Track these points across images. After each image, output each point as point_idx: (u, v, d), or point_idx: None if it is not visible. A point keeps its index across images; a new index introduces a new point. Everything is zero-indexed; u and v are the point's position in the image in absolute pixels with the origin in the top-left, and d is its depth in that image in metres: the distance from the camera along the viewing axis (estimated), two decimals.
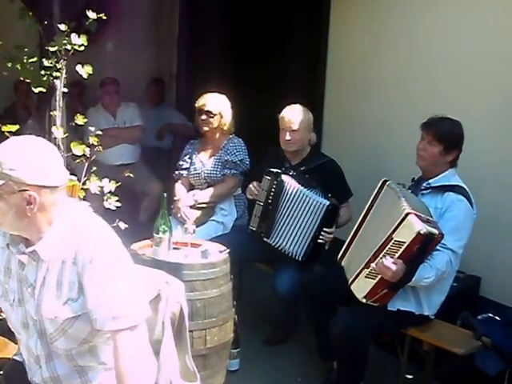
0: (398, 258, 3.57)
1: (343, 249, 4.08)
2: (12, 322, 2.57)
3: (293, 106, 4.76)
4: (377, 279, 3.67)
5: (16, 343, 3.19)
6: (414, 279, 3.63)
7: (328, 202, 4.42)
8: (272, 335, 4.91)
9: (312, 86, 6.25)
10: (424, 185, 3.93)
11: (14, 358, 2.77)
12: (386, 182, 3.95)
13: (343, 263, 4.06)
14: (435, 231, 3.51)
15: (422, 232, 3.46)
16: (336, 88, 6.05)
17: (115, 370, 2.33)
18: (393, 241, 3.58)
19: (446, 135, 3.85)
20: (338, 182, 4.73)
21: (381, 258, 3.61)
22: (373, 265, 3.65)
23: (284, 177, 4.51)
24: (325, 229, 4.46)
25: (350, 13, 5.82)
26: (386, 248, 3.61)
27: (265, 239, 4.61)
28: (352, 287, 3.83)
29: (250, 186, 4.75)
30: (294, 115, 4.69)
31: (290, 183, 4.51)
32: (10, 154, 2.29)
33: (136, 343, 2.34)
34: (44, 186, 2.31)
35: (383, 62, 5.45)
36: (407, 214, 3.52)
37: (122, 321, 2.30)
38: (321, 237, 4.47)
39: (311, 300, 4.28)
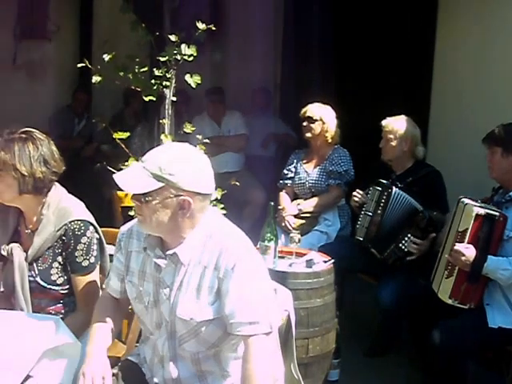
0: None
1: (434, 271, 4.02)
2: (146, 324, 2.66)
3: (397, 116, 4.75)
4: (455, 274, 3.73)
5: (125, 343, 3.29)
6: (490, 269, 3.64)
7: (422, 208, 4.36)
8: (373, 347, 4.85)
9: (417, 99, 6.17)
10: (505, 197, 3.86)
11: (129, 358, 2.84)
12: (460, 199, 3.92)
13: (433, 285, 3.99)
14: (495, 212, 3.64)
15: (479, 213, 3.63)
16: (442, 101, 5.94)
17: (243, 373, 2.38)
18: (458, 233, 3.73)
19: (499, 136, 3.85)
20: (438, 194, 4.66)
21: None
22: (446, 256, 3.75)
23: (394, 189, 4.49)
24: (411, 236, 4.39)
25: (457, 27, 5.70)
26: (455, 242, 3.73)
27: (372, 250, 4.58)
28: (439, 294, 3.84)
29: (355, 193, 4.75)
30: (393, 125, 4.72)
31: (400, 195, 4.48)
32: (171, 160, 2.38)
33: (268, 348, 2.40)
34: (198, 193, 2.41)
35: (491, 75, 5.31)
36: (462, 202, 3.74)
37: (258, 326, 2.37)
38: (404, 242, 4.41)
39: (415, 313, 4.22)
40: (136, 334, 3.22)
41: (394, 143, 4.68)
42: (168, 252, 2.49)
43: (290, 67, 7.90)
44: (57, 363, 2.68)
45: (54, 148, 3.01)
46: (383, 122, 4.77)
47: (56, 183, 3.07)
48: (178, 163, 2.38)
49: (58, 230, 2.98)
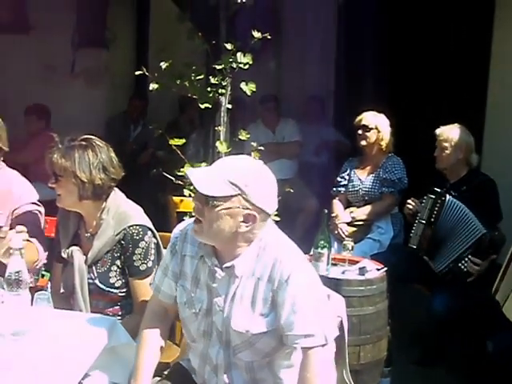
0: None
1: (497, 281, 3.97)
2: (191, 331, 2.66)
3: (451, 125, 4.74)
4: None
5: (178, 345, 3.33)
6: None
7: (485, 231, 4.33)
8: (424, 356, 4.82)
9: (471, 107, 6.12)
10: None
11: (181, 362, 2.87)
12: None
13: (497, 297, 3.95)
14: None
15: None
16: (496, 110, 5.89)
17: (299, 381, 2.41)
18: None
19: None
20: (492, 203, 4.62)
21: None
22: None
23: (448, 197, 4.47)
24: (471, 257, 4.36)
25: None
26: None
27: (425, 258, 4.56)
28: (504, 309, 3.74)
29: (409, 201, 4.74)
30: (447, 133, 4.71)
31: (454, 203, 4.45)
32: (248, 172, 2.40)
33: (324, 360, 2.41)
34: (264, 211, 2.41)
35: None
36: None
37: (313, 339, 2.38)
38: (464, 262, 4.38)
39: (467, 324, 4.18)
40: None
41: (448, 151, 4.67)
42: (226, 265, 2.49)
43: (344, 73, 7.90)
44: (113, 363, 2.74)
45: (112, 155, 3.09)
46: (438, 131, 4.76)
47: (115, 188, 3.15)
48: (254, 177, 2.39)
49: (117, 235, 3.05)
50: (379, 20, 7.29)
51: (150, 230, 3.10)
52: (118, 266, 3.08)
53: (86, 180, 2.97)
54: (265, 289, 2.45)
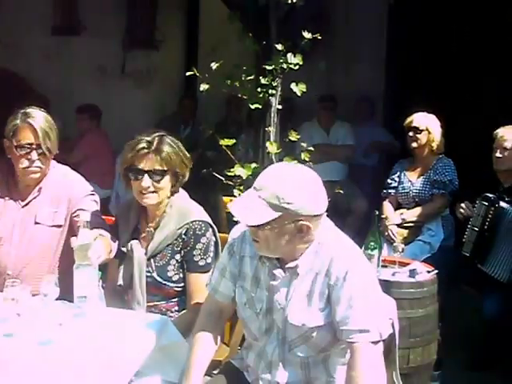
0: None
1: None
2: (252, 330, 2.67)
3: (510, 126, 4.65)
4: None
5: (228, 346, 3.34)
6: None
7: None
8: (475, 360, 4.75)
9: None
10: None
11: (232, 361, 2.88)
12: None
13: None
14: None
15: None
16: None
17: (347, 380, 2.40)
18: None
19: None
20: None
21: None
22: None
23: (502, 203, 4.41)
24: None
25: None
26: None
27: (479, 266, 4.51)
28: None
29: (462, 205, 4.68)
30: (507, 133, 4.60)
31: (508, 210, 4.39)
32: (287, 188, 2.36)
33: (375, 356, 2.41)
34: (316, 215, 2.41)
35: None
36: None
37: (368, 334, 2.38)
38: None
39: None
40: (239, 337, 3.26)
41: (507, 153, 4.57)
42: (289, 265, 2.50)
43: (394, 74, 7.84)
44: (164, 361, 2.76)
45: (185, 151, 3.18)
46: (498, 131, 4.67)
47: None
48: (295, 191, 2.36)
49: (179, 229, 3.10)
50: (431, 19, 7.23)
51: (212, 227, 3.16)
52: (177, 260, 3.13)
53: (181, 175, 3.13)
54: (322, 283, 2.47)
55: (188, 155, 3.17)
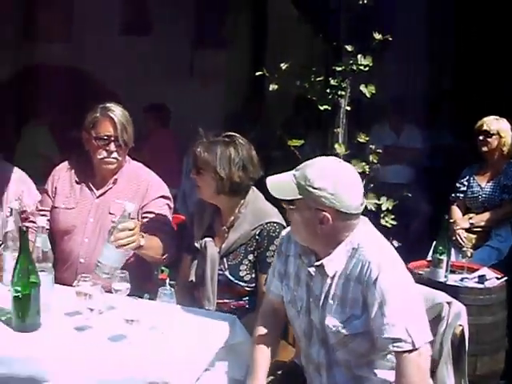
0: None
1: None
2: (296, 329, 2.70)
3: None
4: None
5: (293, 346, 3.35)
6: None
7: None
8: None
9: None
10: None
11: (295, 361, 2.90)
12: None
13: None
14: None
15: None
16: None
17: None
18: None
19: None
20: None
21: None
22: None
23: None
24: None
25: None
26: None
27: None
28: None
29: None
30: None
31: None
32: (318, 175, 2.39)
33: (417, 365, 2.34)
34: (341, 212, 2.40)
35: None
36: None
37: (401, 344, 2.33)
38: None
39: None
40: None
41: None
42: (316, 263, 2.52)
43: (462, 73, 7.72)
44: (231, 359, 2.79)
45: (253, 153, 3.19)
46: None
47: (253, 187, 3.23)
48: (324, 179, 2.38)
49: (254, 229, 3.13)
50: (500, 17, 7.09)
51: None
52: (249, 261, 3.15)
53: (224, 176, 3.07)
54: (355, 290, 2.44)
55: (247, 160, 3.14)
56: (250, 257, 3.15)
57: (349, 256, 2.46)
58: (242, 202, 3.18)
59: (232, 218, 3.20)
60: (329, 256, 2.48)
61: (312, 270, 2.54)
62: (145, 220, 3.38)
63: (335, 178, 2.40)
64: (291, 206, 2.47)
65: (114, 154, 3.38)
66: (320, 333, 2.56)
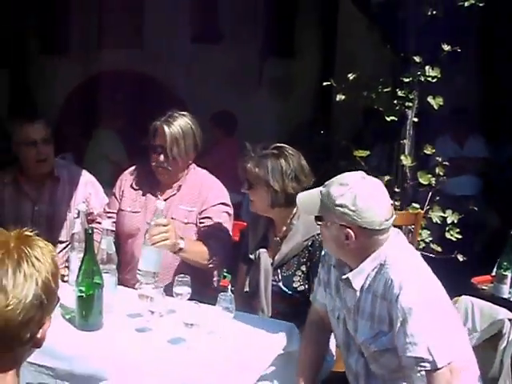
0: None
1: None
2: (336, 338, 2.75)
3: None
4: None
5: None
6: None
7: None
8: None
9: None
10: None
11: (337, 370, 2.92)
12: None
13: None
14: None
15: None
16: None
17: None
18: None
19: None
20: None
21: None
22: None
23: None
24: None
25: None
26: None
27: None
28: None
29: None
30: None
31: None
32: (342, 192, 2.40)
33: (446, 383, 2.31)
34: (364, 228, 2.40)
35: None
36: None
37: (424, 363, 2.31)
38: None
39: None
40: None
41: None
42: (343, 276, 2.53)
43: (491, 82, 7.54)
44: (287, 367, 2.79)
45: (304, 163, 3.18)
46: None
47: None
48: (345, 196, 2.38)
49: (306, 241, 3.12)
50: None
51: None
52: (302, 272, 3.14)
53: (278, 189, 3.07)
54: (381, 306, 2.44)
55: (298, 170, 3.13)
56: (303, 268, 3.14)
57: (376, 272, 2.47)
58: (294, 212, 3.17)
59: (285, 228, 3.20)
60: (355, 270, 2.49)
61: (341, 282, 2.57)
62: (201, 225, 3.43)
63: (357, 194, 2.39)
64: (319, 222, 2.52)
65: (163, 164, 3.43)
66: (357, 343, 2.57)
